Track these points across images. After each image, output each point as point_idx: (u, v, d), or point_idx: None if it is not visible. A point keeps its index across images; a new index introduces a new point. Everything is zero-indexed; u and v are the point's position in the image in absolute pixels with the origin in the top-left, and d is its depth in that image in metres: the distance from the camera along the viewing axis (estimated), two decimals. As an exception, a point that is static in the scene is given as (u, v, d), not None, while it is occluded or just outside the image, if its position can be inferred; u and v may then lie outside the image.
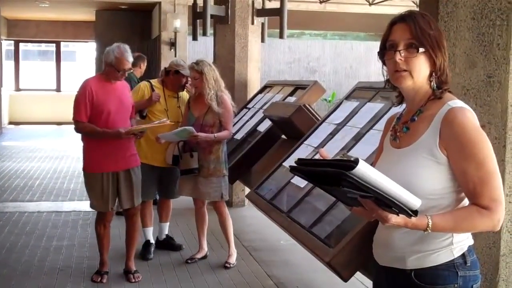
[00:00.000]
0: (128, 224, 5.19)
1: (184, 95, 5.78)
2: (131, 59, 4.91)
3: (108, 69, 4.88)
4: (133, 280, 5.07)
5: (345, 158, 1.77)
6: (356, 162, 1.70)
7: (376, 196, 1.78)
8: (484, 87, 2.76)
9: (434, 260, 2.04)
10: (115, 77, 4.88)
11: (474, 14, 2.78)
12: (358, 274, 3.85)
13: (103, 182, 4.91)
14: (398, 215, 1.85)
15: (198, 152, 5.31)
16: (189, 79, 5.59)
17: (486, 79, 2.76)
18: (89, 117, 4.85)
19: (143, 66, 7.82)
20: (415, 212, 1.84)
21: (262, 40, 8.63)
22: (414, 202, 1.83)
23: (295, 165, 1.86)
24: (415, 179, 2.00)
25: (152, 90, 5.70)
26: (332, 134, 4.91)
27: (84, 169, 5.03)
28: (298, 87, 6.88)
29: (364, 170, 1.71)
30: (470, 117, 2.00)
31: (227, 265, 5.48)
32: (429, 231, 1.91)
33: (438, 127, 2.01)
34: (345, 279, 3.57)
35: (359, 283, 4.82)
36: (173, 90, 5.73)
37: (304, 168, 1.86)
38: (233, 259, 5.55)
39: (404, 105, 2.23)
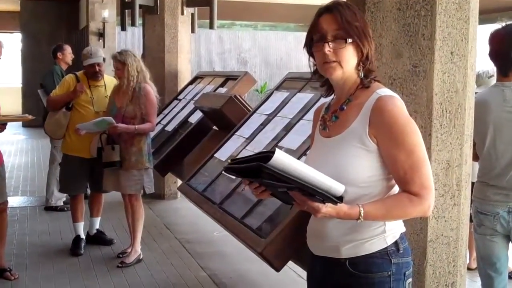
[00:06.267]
0: None
1: (111, 84, 5.65)
2: None
3: None
4: (12, 278, 4.93)
5: (265, 150, 1.75)
6: (272, 152, 1.69)
7: (298, 186, 1.76)
8: (410, 77, 2.81)
9: (368, 249, 2.05)
10: None
11: (399, 4, 2.82)
12: (290, 264, 3.88)
13: None
14: (324, 204, 1.85)
15: (120, 145, 5.18)
16: (101, 64, 5.57)
17: (412, 69, 2.80)
18: None
19: (62, 55, 7.43)
20: (340, 199, 1.84)
21: (192, 31, 8.56)
22: (338, 188, 1.83)
23: (229, 165, 1.84)
24: (345, 168, 2.00)
25: (78, 82, 5.57)
26: (263, 125, 4.92)
27: None
28: (229, 78, 6.86)
29: (281, 160, 1.70)
30: (399, 105, 2.02)
31: (119, 265, 5.25)
32: (362, 220, 1.92)
33: (367, 115, 2.01)
34: (277, 268, 3.60)
35: (291, 272, 4.86)
36: (91, 79, 5.63)
37: (235, 166, 1.84)
38: (130, 259, 5.30)
39: (332, 95, 2.23)
